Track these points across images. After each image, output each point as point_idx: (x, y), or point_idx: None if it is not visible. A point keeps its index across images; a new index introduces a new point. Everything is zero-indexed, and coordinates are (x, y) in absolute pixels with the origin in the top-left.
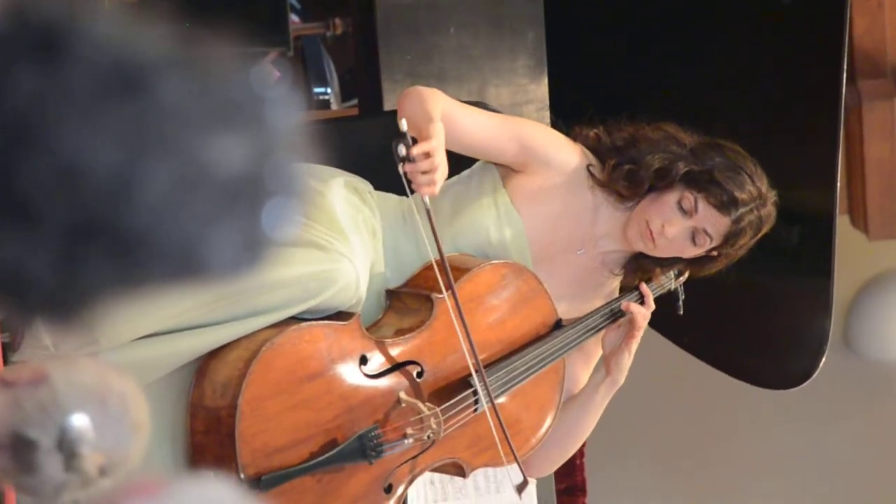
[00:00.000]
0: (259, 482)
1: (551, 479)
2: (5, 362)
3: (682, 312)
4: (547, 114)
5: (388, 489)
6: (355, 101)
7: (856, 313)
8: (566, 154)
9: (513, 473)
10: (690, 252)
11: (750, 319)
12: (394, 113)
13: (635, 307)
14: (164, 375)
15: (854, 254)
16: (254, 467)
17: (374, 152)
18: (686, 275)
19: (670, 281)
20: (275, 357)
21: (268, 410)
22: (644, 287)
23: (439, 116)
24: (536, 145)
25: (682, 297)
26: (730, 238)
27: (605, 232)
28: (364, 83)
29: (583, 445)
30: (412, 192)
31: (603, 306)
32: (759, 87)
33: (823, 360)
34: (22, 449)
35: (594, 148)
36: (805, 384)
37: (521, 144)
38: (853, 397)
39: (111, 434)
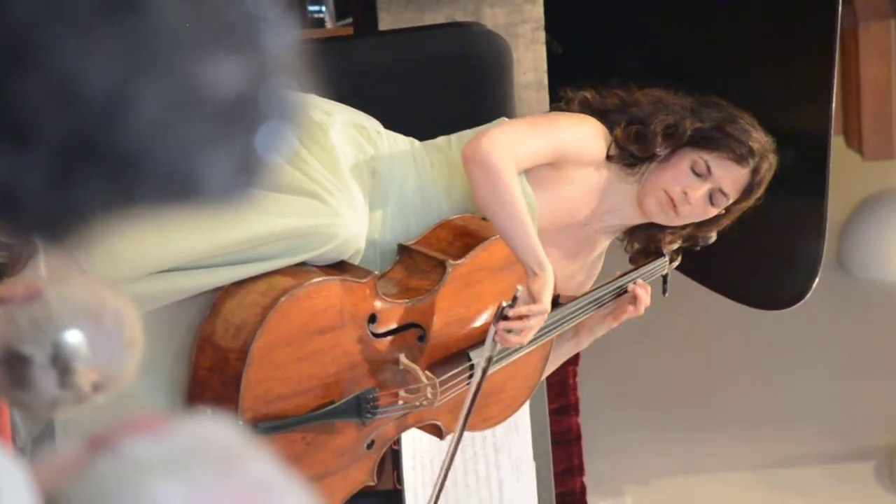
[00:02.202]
0: (255, 428)
1: (544, 399)
2: None
3: (666, 295)
4: (542, 34)
5: (371, 445)
6: (350, 20)
7: (850, 234)
8: (593, 149)
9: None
10: (709, 213)
11: (743, 240)
12: (391, 35)
13: (641, 294)
14: (173, 308)
15: (848, 174)
16: (252, 412)
17: (369, 73)
18: (679, 259)
19: (664, 268)
20: (291, 308)
21: (276, 359)
22: (642, 284)
23: (541, 248)
24: (570, 156)
25: (668, 277)
26: (750, 189)
27: (612, 207)
28: (358, 1)
29: (576, 364)
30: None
31: (602, 288)
32: (755, 6)
33: (817, 280)
34: (16, 364)
35: (586, 110)
36: (798, 305)
37: (559, 158)
38: (847, 317)
39: (105, 350)
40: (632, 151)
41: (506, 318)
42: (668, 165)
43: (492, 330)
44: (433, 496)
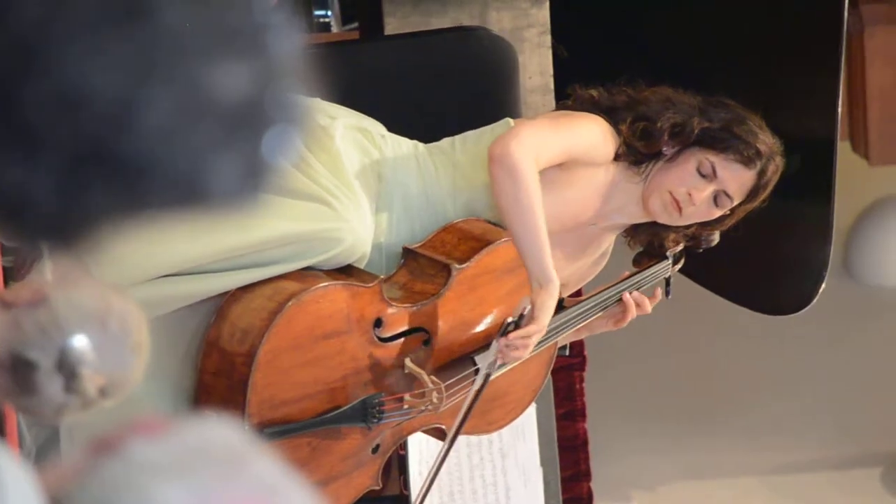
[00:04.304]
0: (261, 433)
1: (551, 404)
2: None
3: (669, 297)
4: (548, 38)
5: (376, 449)
6: (356, 24)
7: (856, 239)
8: (604, 150)
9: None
10: (713, 215)
11: (750, 245)
12: (397, 39)
13: (639, 304)
14: (179, 313)
15: (855, 180)
16: (258, 417)
17: (376, 77)
18: (682, 262)
19: (667, 270)
20: (298, 313)
21: (282, 364)
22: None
23: (551, 262)
24: (582, 157)
25: (672, 279)
26: (756, 192)
27: (618, 207)
28: (364, 5)
29: (583, 370)
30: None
31: (606, 291)
32: (761, 11)
33: (823, 285)
34: (22, 370)
35: (594, 108)
36: (804, 310)
37: (573, 158)
38: (853, 323)
39: (111, 355)
40: (637, 148)
41: (508, 332)
42: (674, 165)
43: (495, 344)
44: (420, 496)
